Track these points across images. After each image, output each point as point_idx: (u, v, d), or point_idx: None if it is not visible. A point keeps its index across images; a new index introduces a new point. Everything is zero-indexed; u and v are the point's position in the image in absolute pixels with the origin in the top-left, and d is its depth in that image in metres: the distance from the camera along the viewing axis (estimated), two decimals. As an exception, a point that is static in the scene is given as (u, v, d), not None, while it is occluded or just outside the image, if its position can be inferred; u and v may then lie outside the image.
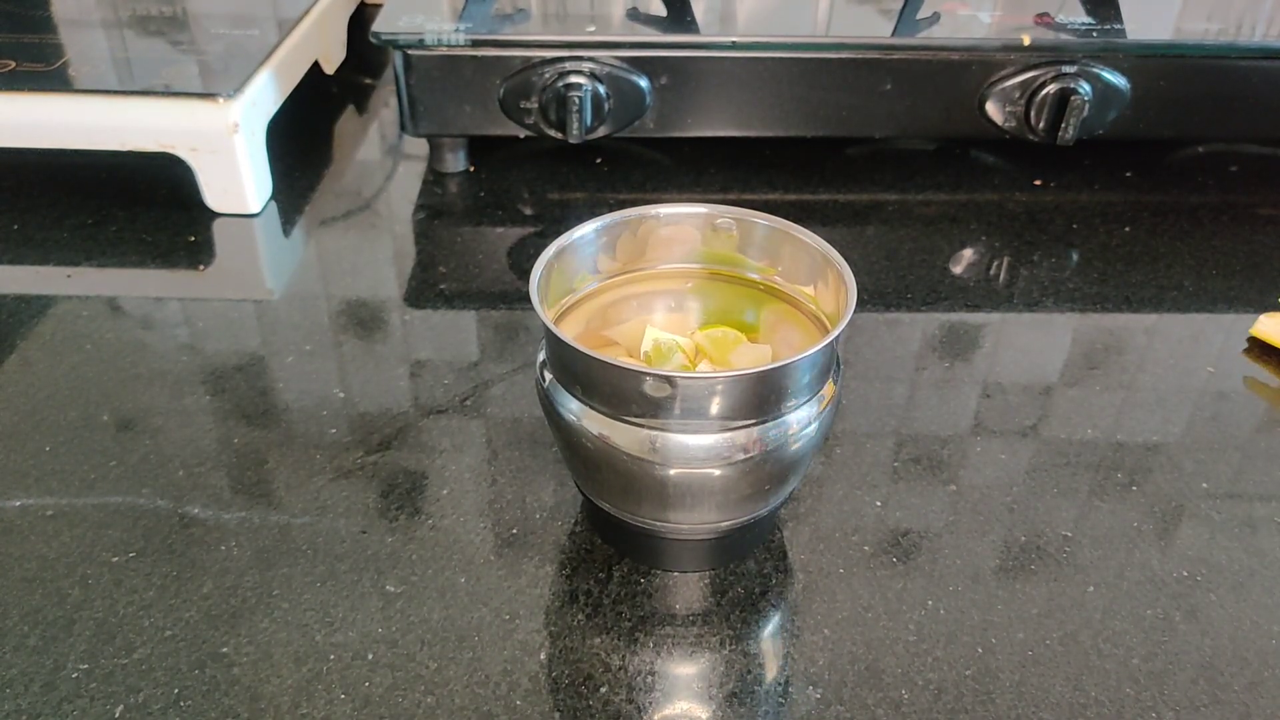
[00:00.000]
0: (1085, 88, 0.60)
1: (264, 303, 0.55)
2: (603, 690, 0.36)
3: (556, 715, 0.35)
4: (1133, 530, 0.42)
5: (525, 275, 0.56)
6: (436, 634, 0.37)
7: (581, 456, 0.37)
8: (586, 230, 0.40)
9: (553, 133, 0.61)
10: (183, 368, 0.50)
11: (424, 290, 0.56)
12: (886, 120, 0.63)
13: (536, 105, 0.60)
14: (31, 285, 0.55)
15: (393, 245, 0.60)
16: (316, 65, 0.72)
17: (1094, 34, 0.61)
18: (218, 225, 0.60)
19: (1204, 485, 0.44)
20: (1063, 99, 0.60)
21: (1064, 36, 0.60)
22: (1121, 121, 0.62)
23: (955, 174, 0.67)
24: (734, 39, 0.60)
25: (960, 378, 0.50)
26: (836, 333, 0.35)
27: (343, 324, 0.53)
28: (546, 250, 0.38)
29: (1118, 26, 0.61)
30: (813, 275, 0.40)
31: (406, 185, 0.66)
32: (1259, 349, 0.52)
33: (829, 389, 0.37)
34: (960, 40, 0.60)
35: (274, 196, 0.63)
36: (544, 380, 0.37)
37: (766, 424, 0.35)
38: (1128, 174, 0.67)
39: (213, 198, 0.61)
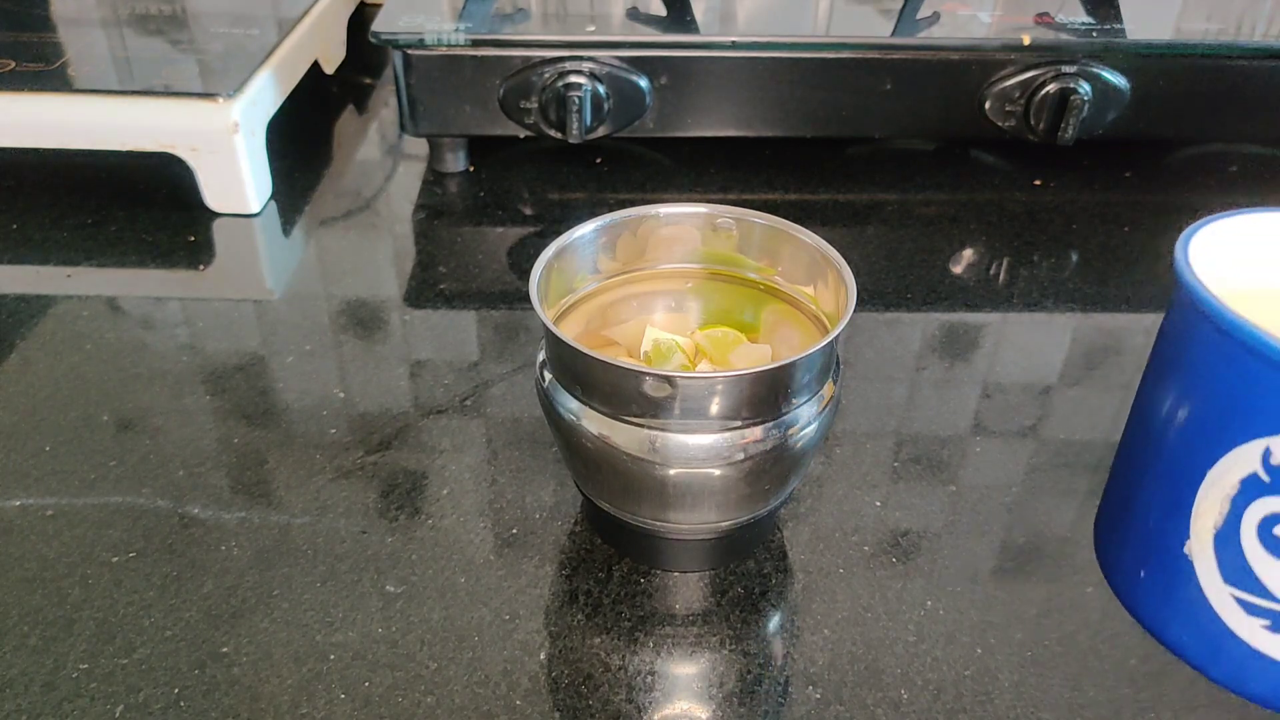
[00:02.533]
0: (1085, 88, 0.60)
1: (264, 303, 0.55)
2: (603, 690, 0.36)
3: (556, 715, 0.35)
4: (1132, 530, 0.42)
5: (525, 275, 0.56)
6: (436, 634, 0.37)
7: (581, 456, 0.37)
8: (586, 230, 0.40)
9: (553, 133, 0.61)
10: (183, 368, 0.50)
11: (424, 290, 0.56)
12: (886, 120, 0.63)
13: (536, 105, 0.60)
14: (31, 285, 0.55)
15: (393, 245, 0.60)
16: (316, 65, 0.72)
17: (1094, 34, 0.61)
18: (218, 225, 0.60)
19: (1204, 485, 0.44)
20: (1063, 99, 0.60)
21: (1064, 36, 0.60)
22: (1121, 121, 0.62)
23: (955, 174, 0.67)
24: (734, 39, 0.60)
25: (960, 378, 0.50)
26: (836, 333, 0.35)
27: (343, 324, 0.53)
28: (546, 250, 0.38)
29: (1118, 26, 0.61)
30: (813, 275, 0.40)
31: (406, 185, 0.66)
32: (1259, 349, 0.52)
33: (829, 389, 0.37)
34: (960, 40, 0.60)
35: (274, 196, 0.63)
36: (544, 380, 0.38)
37: (766, 424, 0.35)
38: (1127, 174, 0.67)
39: (213, 198, 0.61)
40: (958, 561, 0.41)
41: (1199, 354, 0.30)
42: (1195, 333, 0.30)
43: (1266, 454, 0.27)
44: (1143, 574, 0.32)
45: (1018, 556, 0.41)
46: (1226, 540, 0.29)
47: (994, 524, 0.42)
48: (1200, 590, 0.30)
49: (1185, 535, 0.30)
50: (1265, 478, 0.28)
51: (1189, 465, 0.30)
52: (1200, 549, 0.30)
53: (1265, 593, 0.29)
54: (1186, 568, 0.30)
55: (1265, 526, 0.28)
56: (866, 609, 0.39)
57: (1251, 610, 0.29)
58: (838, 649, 0.37)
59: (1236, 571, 0.29)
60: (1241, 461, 0.28)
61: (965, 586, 0.40)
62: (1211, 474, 0.29)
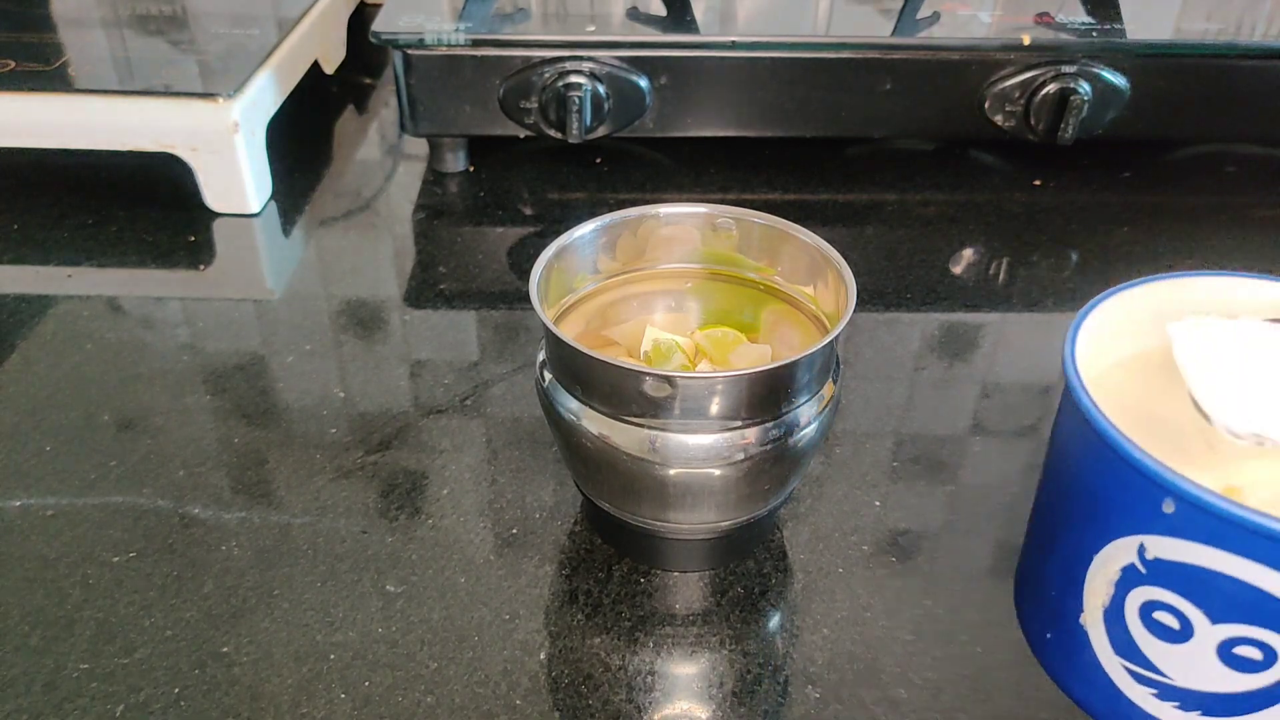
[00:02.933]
0: (1085, 88, 0.60)
1: (264, 303, 0.55)
2: (603, 690, 0.36)
3: (556, 715, 0.35)
4: (1132, 530, 0.42)
5: (525, 275, 0.56)
6: (436, 634, 0.37)
7: (581, 456, 0.37)
8: (586, 230, 0.40)
9: (553, 133, 0.61)
10: (183, 368, 0.50)
11: (424, 290, 0.56)
12: (886, 120, 0.63)
13: (536, 105, 0.60)
14: (31, 285, 0.55)
15: (393, 245, 0.60)
16: (316, 65, 0.72)
17: (1094, 34, 0.61)
18: (218, 225, 0.60)
19: (1203, 485, 0.44)
20: (1062, 99, 0.60)
21: (1064, 36, 0.60)
22: (1121, 121, 0.62)
23: (955, 174, 0.67)
24: (734, 39, 0.60)
25: (960, 378, 0.50)
26: (836, 332, 0.35)
27: (343, 324, 0.53)
28: (546, 250, 0.38)
29: (1118, 26, 0.61)
30: (812, 275, 0.40)
31: (406, 185, 0.66)
32: (1258, 349, 0.52)
33: (829, 389, 0.37)
34: (960, 40, 0.60)
35: (274, 196, 0.63)
36: (544, 380, 0.38)
37: (766, 424, 0.35)
38: (1126, 174, 0.67)
39: (213, 198, 0.61)
40: (957, 561, 0.41)
41: (1080, 450, 0.31)
42: (1077, 429, 0.31)
43: (1141, 549, 0.29)
44: (1049, 636, 0.34)
45: (1017, 556, 0.41)
46: (1114, 618, 0.31)
47: (993, 524, 0.42)
48: (1096, 657, 0.32)
49: (1080, 609, 0.32)
50: (1142, 569, 0.29)
51: (1078, 549, 0.32)
52: (1093, 623, 0.32)
53: (1151, 666, 0.30)
54: (1083, 637, 0.32)
55: (1145, 611, 0.30)
56: (866, 608, 0.39)
57: (1140, 680, 0.31)
58: (837, 648, 0.37)
59: (1124, 646, 0.31)
60: (1121, 552, 0.30)
61: (964, 586, 0.40)
62: (1096, 560, 0.31)
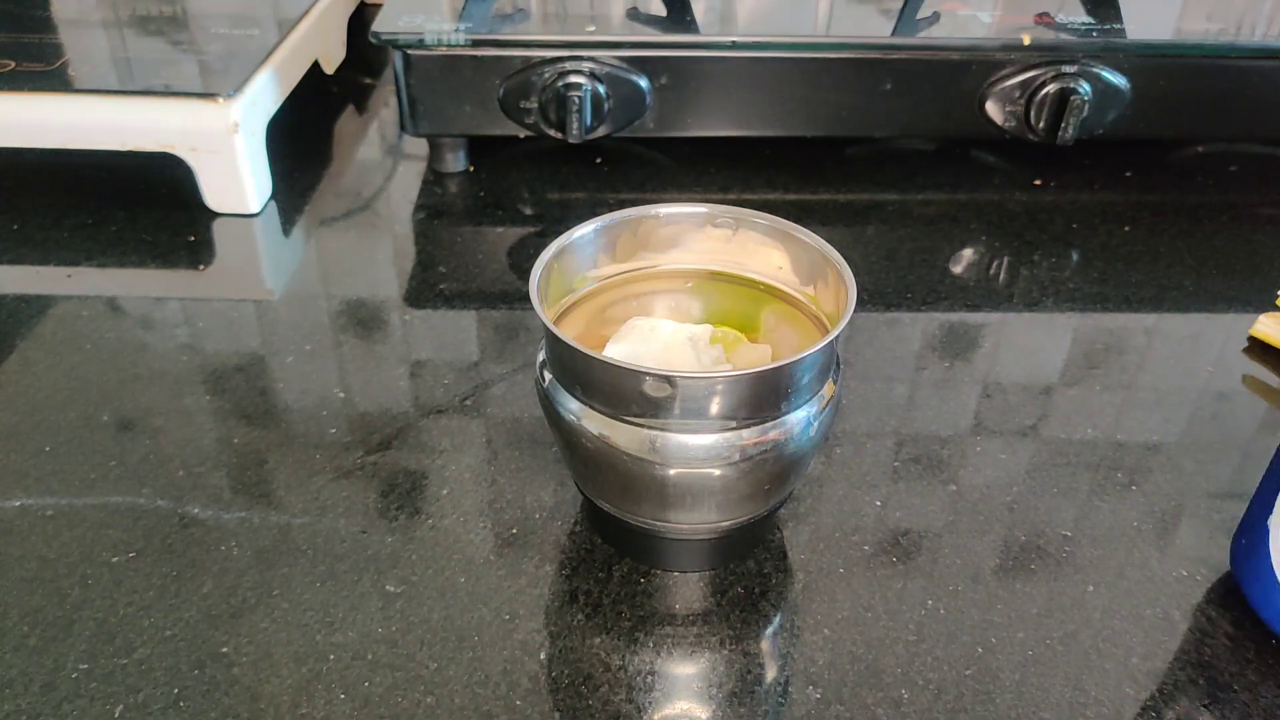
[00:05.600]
0: (1085, 88, 0.60)
1: (264, 303, 0.55)
2: (603, 690, 0.36)
3: (556, 715, 0.35)
4: (1133, 530, 0.42)
5: (525, 275, 0.56)
6: (436, 634, 0.37)
7: (581, 456, 0.37)
8: (586, 230, 0.40)
9: (553, 133, 0.61)
10: (183, 368, 0.50)
11: (424, 290, 0.56)
12: (886, 120, 0.63)
13: (536, 105, 0.60)
14: (31, 285, 0.55)
15: (393, 245, 0.60)
16: (316, 65, 0.72)
17: (1094, 34, 0.61)
18: (218, 225, 0.60)
19: (1204, 485, 0.44)
20: (1063, 99, 0.60)
21: (1064, 36, 0.60)
22: (1121, 121, 0.62)
23: (955, 174, 0.67)
24: (734, 39, 0.60)
25: (960, 378, 0.50)
26: (836, 332, 0.35)
27: (343, 324, 0.53)
28: (546, 250, 0.38)
29: (1118, 26, 0.61)
30: (813, 275, 0.40)
31: (406, 185, 0.66)
32: (1259, 349, 0.52)
33: (829, 389, 0.37)
34: (960, 40, 0.60)
35: (274, 196, 0.63)
36: (544, 380, 0.37)
37: (766, 424, 0.35)
38: (1127, 174, 0.67)
39: (213, 198, 0.61)
40: (958, 561, 0.41)
41: None
42: None
43: None
44: (1243, 542, 0.39)
45: (1019, 555, 0.41)
46: None
47: (995, 523, 0.42)
48: (1270, 556, 0.37)
49: (1270, 510, 0.37)
50: None
51: None
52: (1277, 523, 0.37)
53: None
54: (1264, 533, 0.38)
55: None
56: (867, 609, 0.39)
57: None
58: (838, 649, 0.37)
59: None
60: None
61: (966, 586, 0.40)
62: None
